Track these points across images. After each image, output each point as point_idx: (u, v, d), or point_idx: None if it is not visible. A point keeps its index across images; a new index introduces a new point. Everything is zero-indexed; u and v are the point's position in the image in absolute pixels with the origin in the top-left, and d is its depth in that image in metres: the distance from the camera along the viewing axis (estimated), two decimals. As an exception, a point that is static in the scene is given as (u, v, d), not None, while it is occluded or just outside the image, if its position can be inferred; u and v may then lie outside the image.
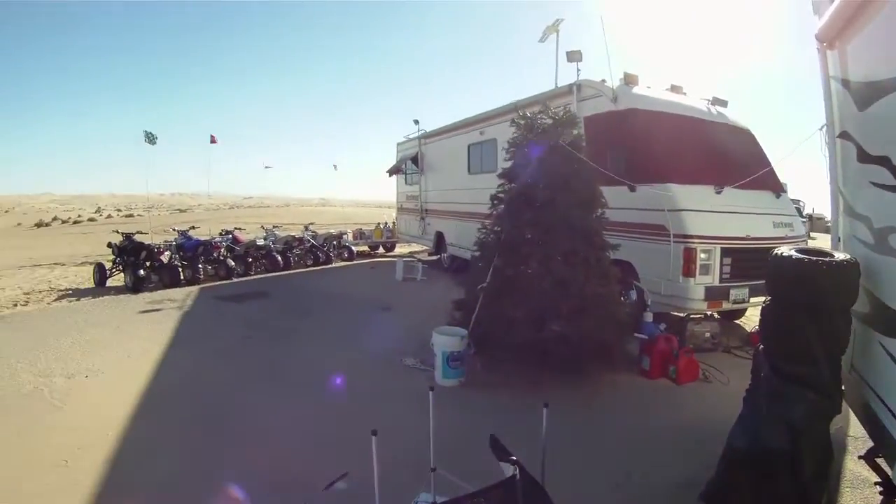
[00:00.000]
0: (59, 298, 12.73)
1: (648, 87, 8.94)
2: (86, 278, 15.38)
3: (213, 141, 20.61)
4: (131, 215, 62.87)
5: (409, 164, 16.94)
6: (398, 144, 18.47)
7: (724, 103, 9.58)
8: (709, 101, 9.48)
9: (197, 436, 5.23)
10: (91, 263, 16.92)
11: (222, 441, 5.13)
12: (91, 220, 59.89)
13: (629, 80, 8.78)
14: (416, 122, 16.79)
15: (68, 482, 4.35)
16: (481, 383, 6.32)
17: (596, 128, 8.76)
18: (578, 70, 9.38)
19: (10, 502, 4.10)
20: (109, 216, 65.64)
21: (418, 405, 4.35)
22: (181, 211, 69.43)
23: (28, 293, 13.44)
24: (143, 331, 9.16)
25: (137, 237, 14.40)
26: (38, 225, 53.47)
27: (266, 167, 24.13)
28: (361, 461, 3.24)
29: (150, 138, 16.93)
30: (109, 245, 14.61)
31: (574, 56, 9.18)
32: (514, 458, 2.62)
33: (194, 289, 13.08)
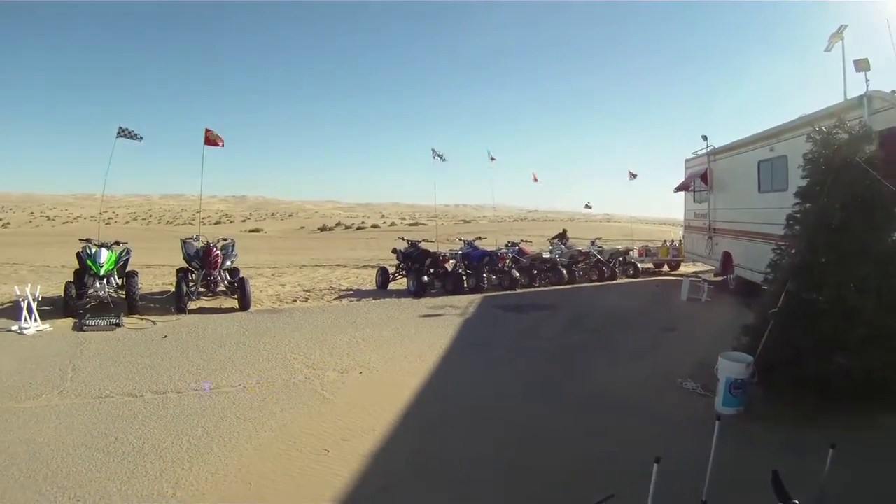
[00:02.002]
0: (340, 298, 14.09)
1: None
2: (367, 281, 17.01)
3: (491, 157, 23.01)
4: (415, 224, 69.57)
5: (698, 182, 17.48)
6: (686, 161, 19.10)
7: None
8: None
9: (460, 443, 5.51)
10: (373, 267, 18.83)
11: (487, 450, 5.37)
12: (375, 226, 67.56)
13: None
14: (705, 137, 17.04)
15: (326, 471, 4.84)
16: (761, 414, 6.22)
17: (890, 144, 8.33)
18: (867, 80, 9.25)
19: (267, 482, 4.67)
20: (393, 224, 73.21)
21: (694, 431, 4.85)
22: (465, 222, 75.93)
23: (308, 290, 15.10)
24: (422, 334, 9.85)
25: (423, 245, 15.75)
26: (322, 229, 61.68)
27: (535, 181, 24.96)
28: (628, 483, 3.57)
29: (439, 156, 19.33)
30: (394, 251, 16.05)
31: (862, 65, 9.15)
32: (796, 501, 2.70)
33: (477, 297, 13.81)
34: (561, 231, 21.18)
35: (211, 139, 14.07)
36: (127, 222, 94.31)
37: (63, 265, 19.26)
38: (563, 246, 18.91)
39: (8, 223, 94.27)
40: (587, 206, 28.89)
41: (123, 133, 13.18)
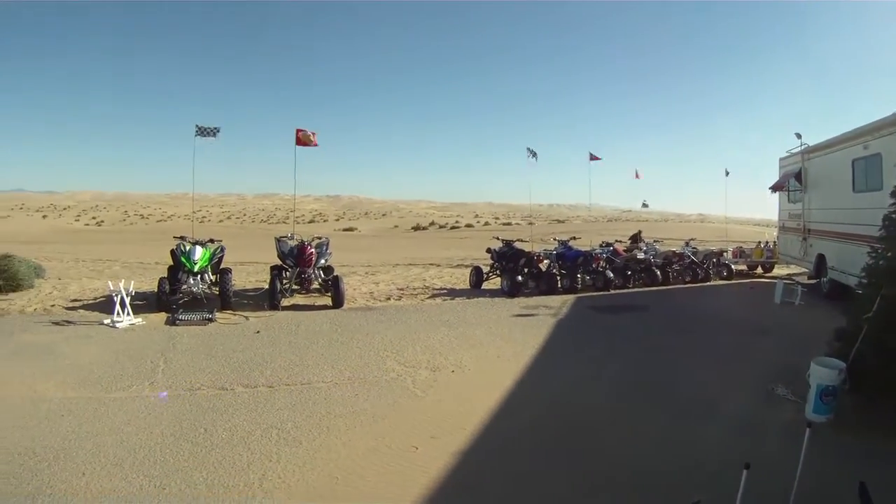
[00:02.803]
0: (433, 296, 14.48)
1: None
2: (460, 280, 17.44)
3: (591, 159, 22.68)
4: (509, 224, 70.12)
5: (792, 181, 17.64)
6: (780, 160, 19.34)
7: None
8: None
9: (550, 445, 5.54)
10: (466, 267, 19.46)
11: (576, 454, 5.37)
12: (468, 226, 68.32)
13: None
14: (798, 135, 17.31)
15: (414, 468, 4.94)
16: (852, 422, 6.14)
17: None
18: None
19: (354, 477, 4.76)
20: (487, 223, 73.88)
21: (783, 438, 4.90)
22: (559, 222, 75.80)
23: (402, 289, 15.57)
24: (515, 333, 9.96)
25: (518, 245, 16.06)
26: (415, 228, 62.82)
27: (636, 177, 24.62)
28: (716, 489, 3.91)
29: (534, 154, 19.38)
30: (489, 250, 16.47)
31: None
32: None
33: (570, 297, 14.04)
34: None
35: (303, 139, 14.56)
36: (221, 221, 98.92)
37: (156, 262, 20.32)
38: (656, 247, 19.33)
39: (102, 221, 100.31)
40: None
41: (200, 132, 13.81)
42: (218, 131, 14.08)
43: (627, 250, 18.49)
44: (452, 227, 68.81)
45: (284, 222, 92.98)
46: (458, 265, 22.38)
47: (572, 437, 5.72)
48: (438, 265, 22.63)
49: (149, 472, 4.71)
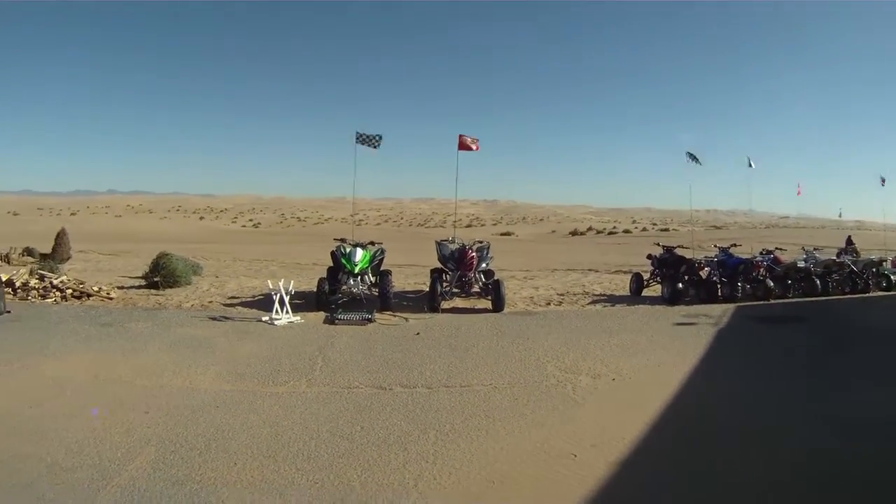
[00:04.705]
0: (593, 302, 14.41)
1: None
2: (619, 286, 17.26)
3: (749, 164, 21.77)
4: (666, 229, 68.63)
5: None
6: None
7: None
8: None
9: (714, 461, 5.25)
10: (625, 273, 19.39)
11: (739, 470, 5.06)
12: (626, 231, 67.52)
13: None
14: None
15: (572, 476, 4.81)
16: None
17: None
18: None
19: (511, 482, 4.69)
20: (644, 229, 72.62)
21: None
22: (716, 228, 75.01)
23: (562, 294, 15.59)
24: (676, 343, 9.72)
25: (678, 251, 15.91)
26: (573, 233, 62.69)
27: (798, 194, 23.60)
28: None
29: (695, 158, 18.75)
30: (649, 257, 16.38)
31: None
32: None
33: (730, 306, 13.54)
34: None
35: (465, 144, 14.73)
36: (378, 224, 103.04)
37: (313, 262, 21.21)
38: (816, 255, 18.33)
39: (259, 223, 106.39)
40: (839, 215, 26.68)
41: (361, 139, 14.14)
42: (380, 141, 14.43)
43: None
44: (610, 233, 68.61)
45: (441, 226, 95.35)
46: (615, 271, 22.20)
47: (736, 453, 5.40)
48: (597, 271, 22.53)
49: (302, 466, 4.72)
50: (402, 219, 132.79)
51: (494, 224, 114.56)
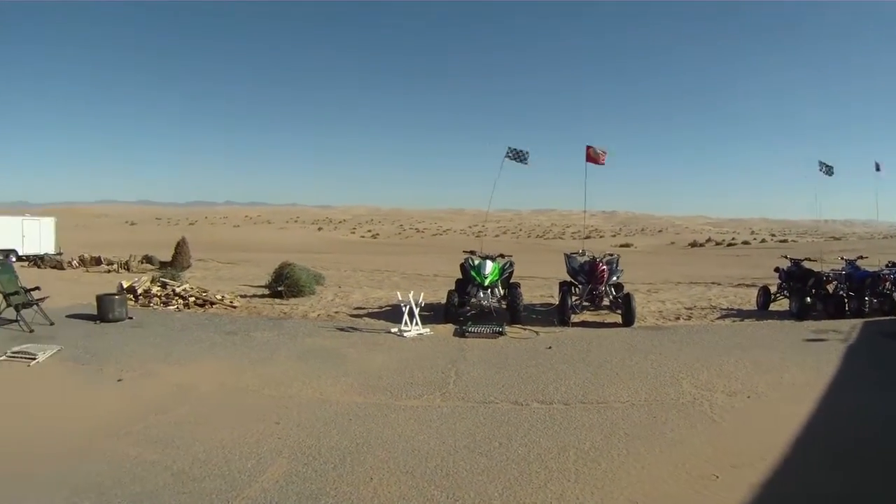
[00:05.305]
0: (722, 317, 14.18)
1: None
2: (744, 300, 17.01)
3: (878, 169, 20.59)
4: (785, 241, 66.19)
5: None
6: None
7: None
8: None
9: (863, 485, 5.08)
10: (748, 286, 19.41)
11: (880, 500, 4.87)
12: (745, 243, 65.47)
13: None
14: None
15: (714, 498, 4.72)
16: None
17: None
18: None
19: (653, 500, 4.65)
20: (763, 240, 70.36)
21: None
22: (835, 239, 72.51)
23: (690, 308, 15.42)
24: (808, 359, 9.41)
25: (806, 264, 15.46)
26: (692, 245, 61.25)
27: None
28: None
29: (828, 169, 17.91)
30: (776, 269, 15.99)
31: None
32: None
33: (858, 322, 13.01)
34: None
35: (592, 156, 14.57)
36: (497, 236, 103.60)
37: (434, 274, 21.50)
38: None
39: (377, 234, 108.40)
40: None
41: (511, 154, 14.17)
42: (527, 156, 14.46)
43: None
44: (729, 244, 66.99)
45: (560, 238, 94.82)
46: (738, 284, 21.93)
47: (882, 477, 5.18)
48: (720, 284, 22.19)
49: (441, 482, 4.76)
50: (520, 230, 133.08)
51: (613, 235, 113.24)
